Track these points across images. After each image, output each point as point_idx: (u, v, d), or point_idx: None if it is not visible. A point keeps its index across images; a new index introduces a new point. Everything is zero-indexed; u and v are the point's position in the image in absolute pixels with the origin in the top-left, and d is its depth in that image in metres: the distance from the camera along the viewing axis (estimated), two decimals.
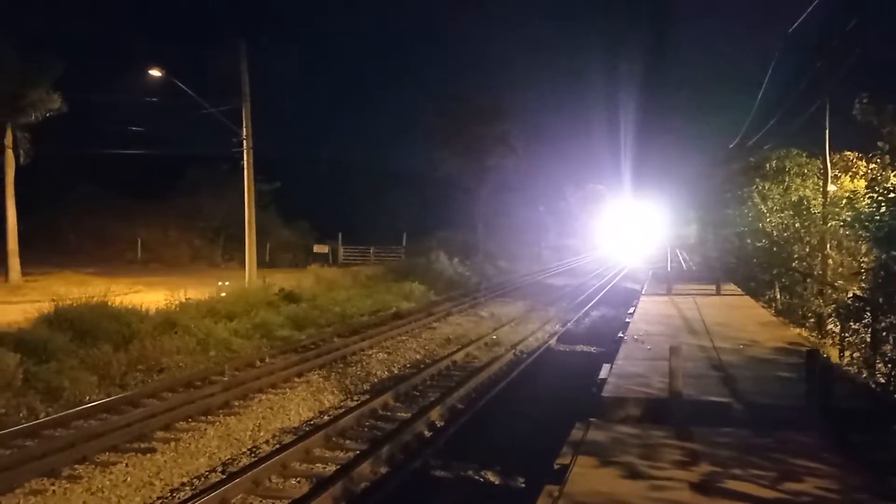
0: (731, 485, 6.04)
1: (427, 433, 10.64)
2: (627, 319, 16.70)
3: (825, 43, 19.51)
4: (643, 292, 23.58)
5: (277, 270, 33.81)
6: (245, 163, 24.77)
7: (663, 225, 63.83)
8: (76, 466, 8.99)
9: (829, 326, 18.08)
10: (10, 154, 27.91)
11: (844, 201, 20.56)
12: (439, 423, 11.10)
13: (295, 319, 19.68)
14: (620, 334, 14.19)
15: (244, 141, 24.60)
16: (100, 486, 8.43)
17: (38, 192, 38.93)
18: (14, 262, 27.92)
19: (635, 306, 19.20)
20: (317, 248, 46.95)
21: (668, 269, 39.03)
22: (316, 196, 56.46)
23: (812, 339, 16.23)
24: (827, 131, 20.08)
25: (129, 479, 8.69)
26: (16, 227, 28.12)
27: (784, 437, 7.28)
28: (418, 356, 16.97)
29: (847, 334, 15.89)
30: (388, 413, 11.73)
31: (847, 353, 15.52)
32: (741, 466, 6.44)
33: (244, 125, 24.59)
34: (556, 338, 19.55)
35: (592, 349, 17.68)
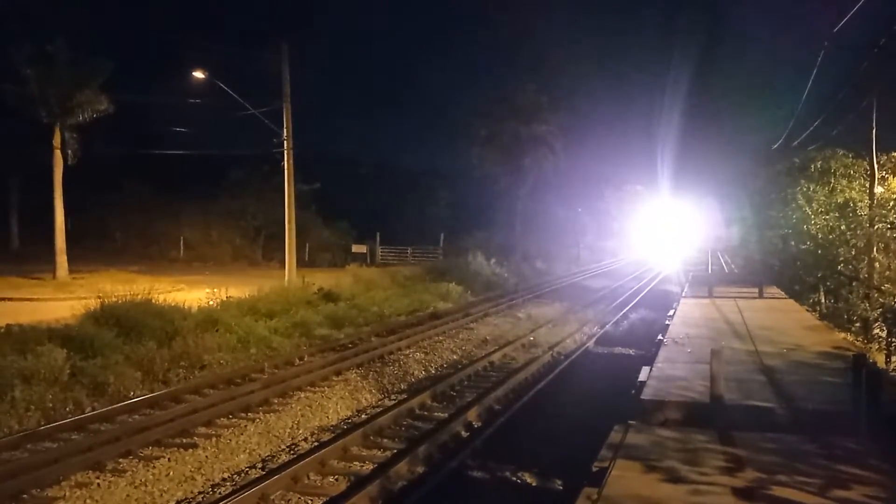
0: (776, 491, 5.92)
1: (464, 433, 10.64)
2: (667, 322, 16.48)
3: (872, 41, 19.03)
4: (683, 295, 23.26)
5: (317, 270, 34.16)
6: (286, 163, 25.07)
7: (704, 226, 62.94)
8: (120, 460, 9.17)
9: (876, 331, 17.65)
10: (58, 154, 28.57)
11: (892, 203, 20.09)
12: (476, 424, 11.09)
13: (333, 318, 19.84)
14: (660, 337, 14.00)
15: (285, 142, 24.89)
16: (143, 479, 8.60)
17: (88, 192, 39.90)
18: (62, 259, 28.59)
19: (675, 309, 18.95)
20: (355, 248, 47.25)
21: (709, 271, 38.55)
22: (355, 196, 56.87)
23: (858, 343, 15.83)
24: (874, 132, 19.60)
25: (171, 473, 8.84)
26: (63, 226, 28.81)
27: (830, 443, 7.12)
28: (455, 356, 16.98)
29: (894, 339, 15.51)
30: (426, 413, 11.76)
31: (894, 359, 15.14)
32: (786, 472, 6.31)
33: (285, 126, 24.89)
34: (594, 340, 19.41)
35: (631, 351, 17.51)
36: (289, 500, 8.11)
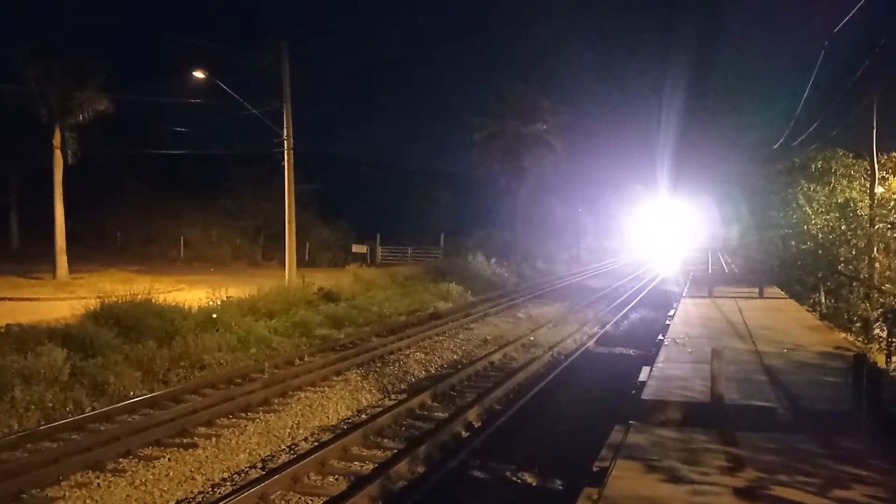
0: (777, 491, 5.90)
1: (464, 433, 10.63)
2: (667, 322, 16.47)
3: (873, 41, 19.02)
4: (683, 294, 23.23)
5: (317, 270, 34.16)
6: (286, 163, 25.04)
7: (704, 226, 62.90)
8: (120, 460, 9.17)
9: (876, 331, 17.62)
10: (58, 154, 28.54)
11: (892, 203, 20.08)
12: (476, 424, 11.07)
13: (333, 318, 19.85)
14: (660, 336, 13.98)
15: (285, 141, 24.87)
16: (143, 479, 8.59)
17: (89, 192, 39.88)
18: (62, 259, 28.55)
19: (675, 309, 18.92)
20: (355, 248, 47.19)
21: (709, 271, 38.47)
22: (355, 196, 56.84)
23: (858, 343, 15.81)
24: (874, 131, 19.59)
25: (171, 473, 8.84)
26: (63, 226, 28.78)
27: (831, 443, 7.10)
28: (456, 356, 16.97)
29: (894, 339, 15.47)
30: (426, 412, 11.75)
31: (895, 359, 15.10)
32: (787, 472, 6.30)
33: (285, 126, 24.87)
34: (594, 340, 19.39)
35: (631, 351, 17.50)
36: (289, 500, 8.10)
